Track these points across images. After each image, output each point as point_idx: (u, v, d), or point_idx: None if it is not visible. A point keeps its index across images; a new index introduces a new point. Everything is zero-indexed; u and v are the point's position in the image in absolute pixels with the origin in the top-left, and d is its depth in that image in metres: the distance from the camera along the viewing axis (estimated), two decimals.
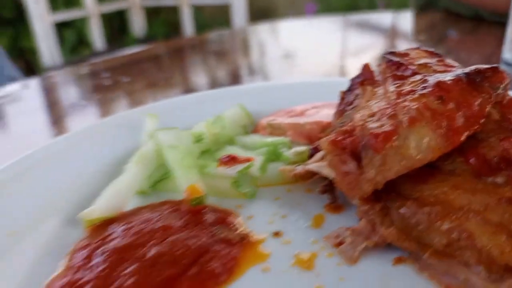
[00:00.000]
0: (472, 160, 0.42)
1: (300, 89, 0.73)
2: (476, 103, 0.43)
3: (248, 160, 0.52)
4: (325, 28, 1.63)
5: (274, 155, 0.55)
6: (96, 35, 3.53)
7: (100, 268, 0.40)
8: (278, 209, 0.50)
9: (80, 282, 0.39)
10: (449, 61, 0.53)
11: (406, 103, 0.44)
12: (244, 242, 0.44)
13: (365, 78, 0.54)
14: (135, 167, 0.53)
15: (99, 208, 0.48)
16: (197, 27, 3.94)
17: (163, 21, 4.21)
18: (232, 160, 0.52)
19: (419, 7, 1.68)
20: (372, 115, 0.46)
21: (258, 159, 0.51)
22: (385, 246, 0.42)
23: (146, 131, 0.60)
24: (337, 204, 0.50)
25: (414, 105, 0.43)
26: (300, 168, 0.52)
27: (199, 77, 1.08)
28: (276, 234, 0.45)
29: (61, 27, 3.47)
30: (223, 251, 0.42)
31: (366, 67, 0.55)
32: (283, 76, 1.06)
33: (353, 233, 0.43)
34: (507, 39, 1.02)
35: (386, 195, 0.45)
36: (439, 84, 0.44)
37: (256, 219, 0.48)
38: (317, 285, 0.38)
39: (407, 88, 0.47)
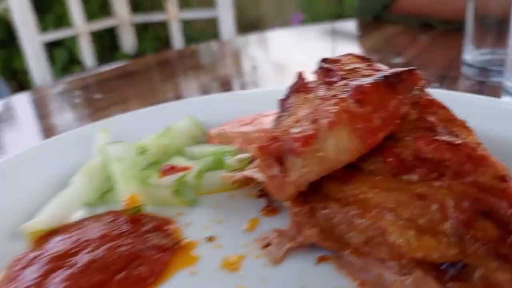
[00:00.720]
0: (389, 160, 0.44)
1: (253, 99, 0.75)
2: (392, 104, 0.45)
3: (186, 169, 0.54)
4: (313, 37, 1.66)
5: (217, 163, 0.57)
6: (87, 53, 3.56)
7: (34, 276, 0.42)
8: (217, 215, 0.51)
9: None
10: (378, 65, 0.55)
11: (328, 107, 0.46)
12: (176, 247, 0.46)
13: (299, 85, 0.56)
14: (81, 180, 0.55)
15: (42, 220, 0.50)
16: (187, 41, 3.98)
17: (153, 37, 4.26)
18: (171, 170, 0.54)
19: (369, 18, 1.72)
20: (298, 120, 0.48)
21: (194, 168, 0.53)
22: (311, 246, 0.44)
23: (96, 145, 0.62)
24: (272, 208, 0.52)
25: (334, 109, 0.45)
26: (239, 175, 0.54)
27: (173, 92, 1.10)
28: (210, 238, 0.47)
29: (51, 47, 3.51)
30: (154, 256, 0.44)
31: (299, 75, 0.57)
32: (273, 85, 1.08)
33: (279, 235, 0.45)
34: (465, 41, 1.04)
35: (314, 196, 0.47)
36: (358, 88, 0.46)
37: (194, 226, 0.50)
38: (239, 286, 0.40)
39: (332, 93, 0.49)
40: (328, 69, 0.55)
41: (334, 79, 0.53)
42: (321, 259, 0.43)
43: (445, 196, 0.38)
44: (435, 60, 1.22)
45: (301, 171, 0.44)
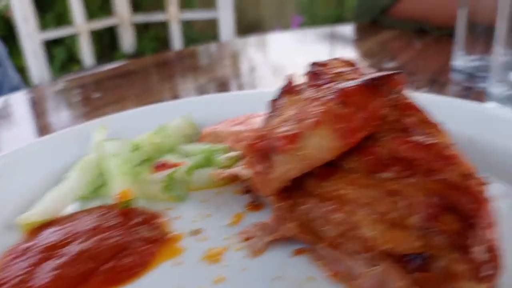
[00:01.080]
0: (367, 158, 0.46)
1: (246, 100, 0.77)
2: (373, 106, 0.48)
3: (177, 165, 0.56)
4: (312, 40, 1.68)
5: (207, 161, 0.60)
6: (86, 52, 3.59)
7: (25, 265, 0.44)
8: (204, 209, 0.54)
9: (4, 280, 0.42)
10: (363, 69, 0.57)
11: (313, 108, 0.49)
12: (162, 239, 0.48)
13: (288, 87, 0.58)
14: (75, 174, 0.57)
15: (37, 212, 0.52)
16: (187, 42, 4.01)
17: (153, 37, 4.29)
18: (163, 166, 0.56)
19: (366, 21, 1.75)
20: (285, 120, 0.51)
21: (185, 164, 0.56)
22: (289, 239, 0.46)
23: (93, 142, 0.64)
24: (257, 203, 0.54)
25: (319, 109, 0.48)
26: (226, 172, 0.56)
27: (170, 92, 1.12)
28: (195, 231, 0.49)
29: (50, 45, 3.54)
30: (141, 248, 0.46)
31: (289, 78, 0.59)
32: (270, 87, 1.10)
33: (260, 228, 0.47)
34: (455, 48, 1.07)
35: (296, 192, 0.49)
36: (341, 90, 0.48)
37: (181, 219, 0.52)
38: (219, 276, 0.42)
39: (318, 95, 0.51)
40: (316, 72, 0.57)
41: (321, 82, 0.55)
42: (298, 252, 0.45)
43: (414, 192, 0.41)
44: (427, 65, 1.24)
45: (284, 168, 0.46)
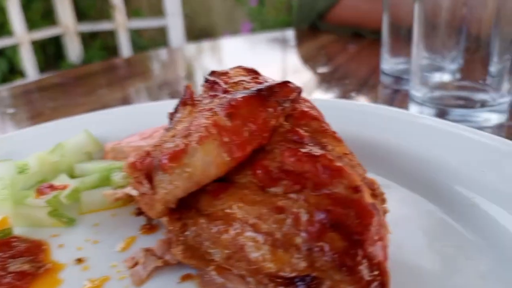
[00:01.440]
0: (257, 172, 0.44)
1: (156, 111, 0.73)
2: (262, 117, 0.45)
3: (64, 187, 0.51)
4: (263, 46, 1.67)
5: (103, 180, 0.55)
6: (28, 63, 3.43)
7: None
8: (94, 235, 0.49)
9: None
10: (262, 78, 0.55)
11: (201, 121, 0.46)
12: (40, 271, 0.43)
13: (186, 98, 0.55)
14: None
15: None
16: (136, 50, 3.92)
17: (101, 45, 4.16)
18: (49, 188, 0.52)
19: (304, 26, 1.77)
20: (174, 135, 0.47)
21: (70, 186, 0.51)
22: (178, 264, 0.43)
23: None
24: (151, 226, 0.50)
25: (205, 123, 0.45)
26: (120, 192, 0.52)
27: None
28: (79, 260, 0.45)
29: None
30: (14, 283, 0.41)
31: (187, 88, 0.56)
32: None
33: (146, 254, 0.44)
34: (382, 51, 1.07)
35: (188, 212, 0.46)
36: (230, 102, 0.46)
37: (66, 247, 0.47)
38: None
39: (209, 106, 0.48)
40: (214, 82, 0.54)
41: (218, 92, 0.52)
42: (185, 278, 0.42)
43: (300, 209, 0.38)
44: (359, 68, 1.25)
45: (168, 188, 0.43)
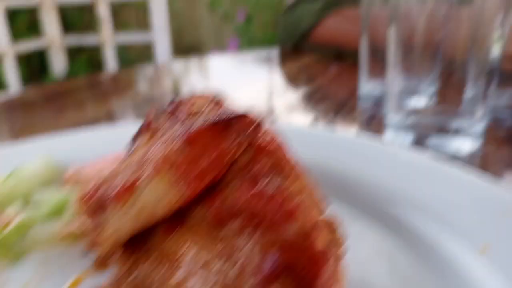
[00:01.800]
0: (210, 210, 0.42)
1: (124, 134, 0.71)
2: (217, 151, 0.43)
3: (10, 222, 0.48)
4: (249, 64, 1.67)
5: (57, 211, 0.53)
6: (11, 76, 3.38)
7: None
8: (42, 272, 0.46)
9: None
10: (226, 107, 0.53)
11: (155, 153, 0.43)
12: None
13: (145, 124, 0.53)
14: None
15: None
16: (122, 65, 3.90)
17: (86, 60, 4.13)
18: None
19: (288, 45, 1.77)
20: (127, 165, 0.45)
21: (16, 220, 0.48)
22: None
23: None
24: (103, 263, 0.47)
25: (158, 156, 0.42)
26: (73, 226, 0.49)
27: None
28: None
29: None
30: None
31: (147, 114, 0.54)
32: None
33: None
34: (360, 74, 1.07)
35: (140, 250, 0.43)
36: (185, 134, 0.44)
37: (9, 286, 0.44)
38: None
39: (165, 136, 0.46)
40: (175, 109, 0.52)
41: (176, 121, 0.50)
42: None
43: (252, 251, 0.36)
44: (339, 90, 1.24)
45: (115, 227, 0.40)
